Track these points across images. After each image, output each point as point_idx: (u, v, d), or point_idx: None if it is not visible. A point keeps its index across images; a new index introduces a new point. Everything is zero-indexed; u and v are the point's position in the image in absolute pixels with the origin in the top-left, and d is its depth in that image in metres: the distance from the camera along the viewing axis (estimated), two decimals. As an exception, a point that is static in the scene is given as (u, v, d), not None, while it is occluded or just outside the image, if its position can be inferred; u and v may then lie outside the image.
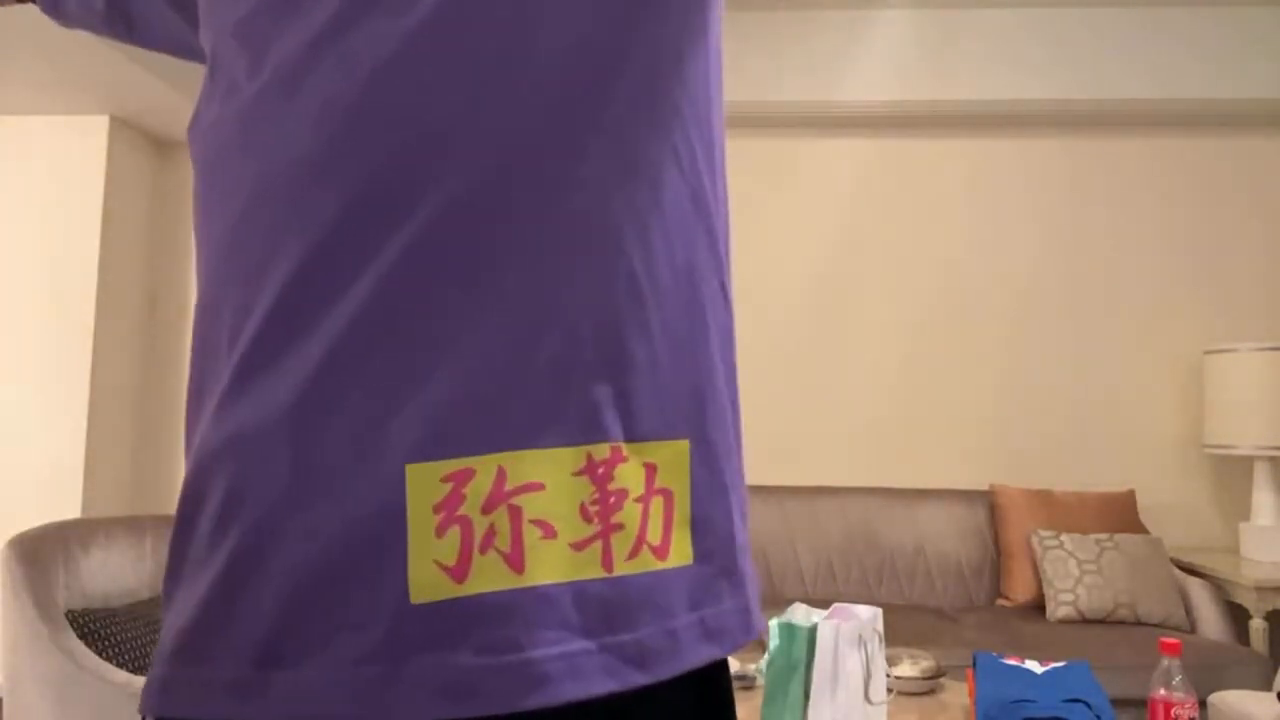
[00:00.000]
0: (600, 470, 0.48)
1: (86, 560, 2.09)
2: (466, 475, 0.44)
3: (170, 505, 3.62)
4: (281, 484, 0.43)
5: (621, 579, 0.48)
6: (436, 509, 0.43)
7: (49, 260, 3.36)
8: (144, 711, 0.45)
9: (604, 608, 0.47)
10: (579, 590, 0.46)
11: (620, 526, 0.48)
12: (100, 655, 1.84)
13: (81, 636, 1.85)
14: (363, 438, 0.43)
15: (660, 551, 0.49)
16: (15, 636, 1.82)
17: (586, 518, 0.47)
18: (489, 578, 0.44)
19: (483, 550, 0.44)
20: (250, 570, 0.43)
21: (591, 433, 0.47)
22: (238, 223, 0.47)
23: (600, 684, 0.45)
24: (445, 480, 0.44)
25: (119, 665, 1.87)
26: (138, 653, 1.96)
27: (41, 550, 1.97)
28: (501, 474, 0.45)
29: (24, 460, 3.28)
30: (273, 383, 0.44)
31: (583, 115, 0.47)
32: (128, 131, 3.52)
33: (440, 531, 0.43)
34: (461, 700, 0.43)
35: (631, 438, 0.49)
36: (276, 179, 0.46)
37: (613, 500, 0.48)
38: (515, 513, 0.45)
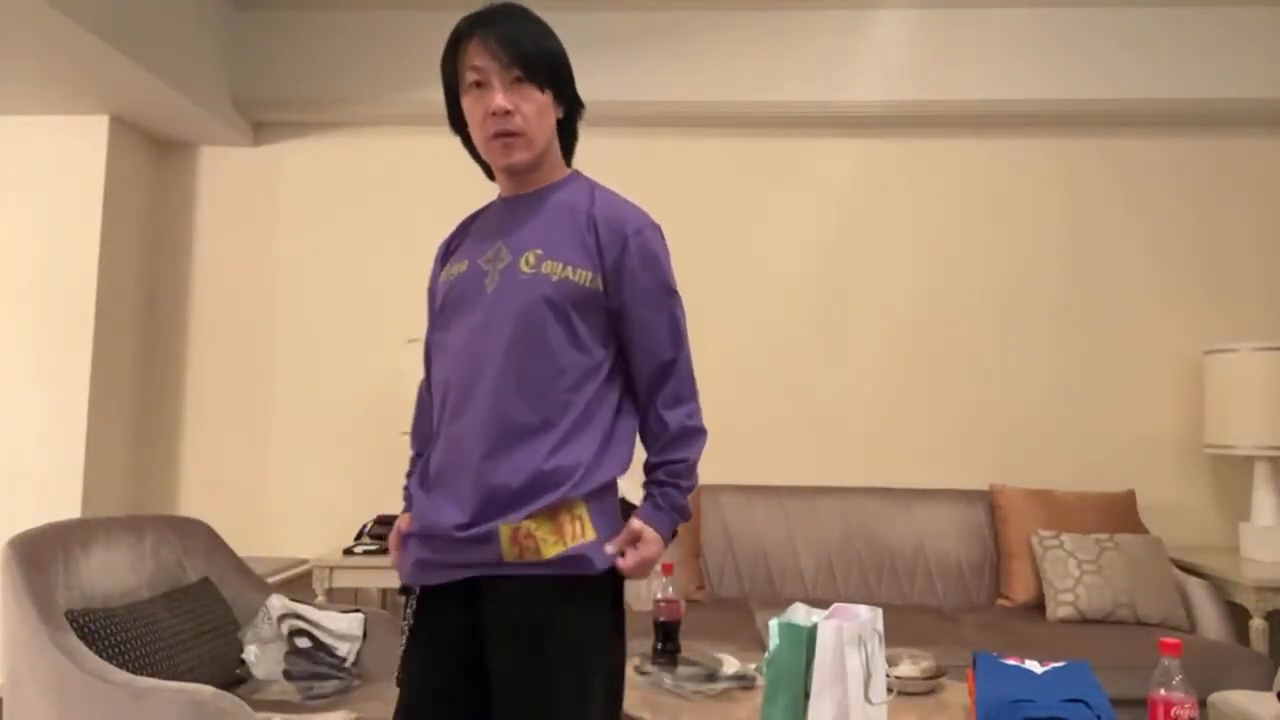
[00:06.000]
0: None
1: (86, 560, 2.09)
2: None
3: (170, 505, 3.64)
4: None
5: None
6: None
7: (49, 260, 3.36)
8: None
9: None
10: None
11: None
12: (100, 655, 1.83)
13: (81, 636, 1.85)
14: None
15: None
16: (15, 636, 1.82)
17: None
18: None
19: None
20: None
21: None
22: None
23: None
24: None
25: (119, 665, 1.86)
26: (138, 653, 1.96)
27: (41, 550, 1.97)
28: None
29: (24, 460, 3.28)
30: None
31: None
32: (128, 131, 3.52)
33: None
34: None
35: None
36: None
37: None
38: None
